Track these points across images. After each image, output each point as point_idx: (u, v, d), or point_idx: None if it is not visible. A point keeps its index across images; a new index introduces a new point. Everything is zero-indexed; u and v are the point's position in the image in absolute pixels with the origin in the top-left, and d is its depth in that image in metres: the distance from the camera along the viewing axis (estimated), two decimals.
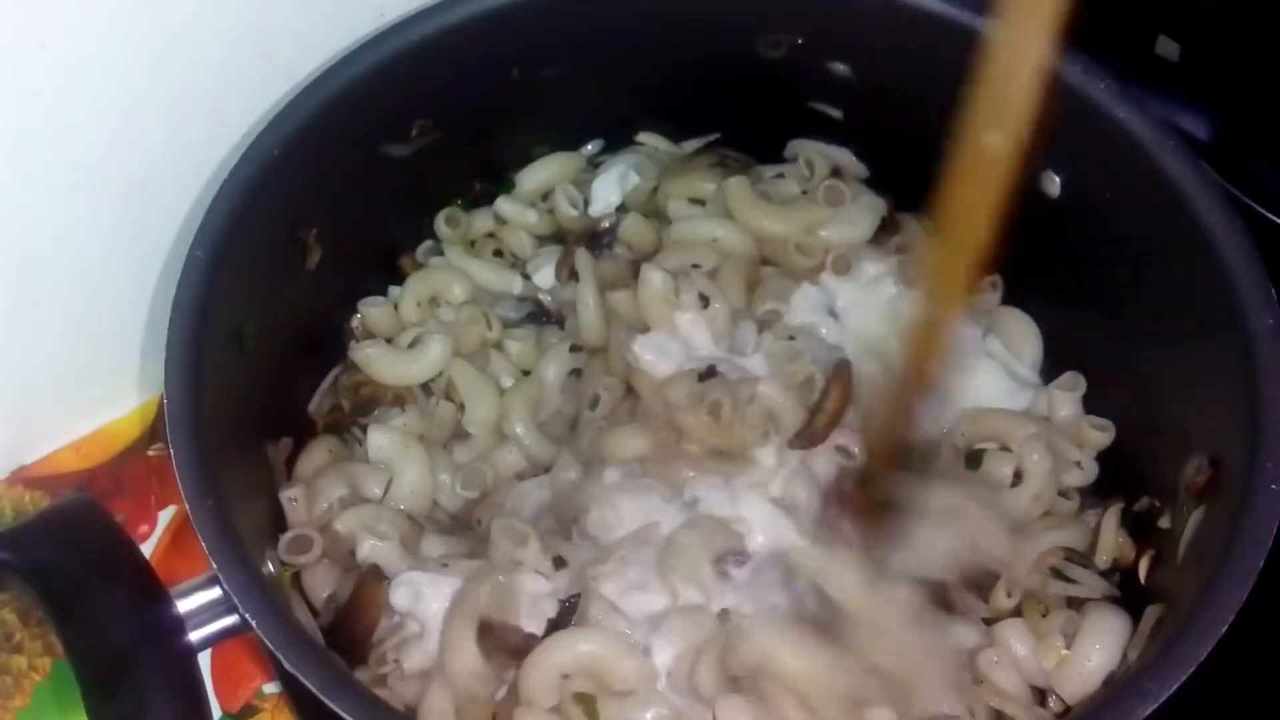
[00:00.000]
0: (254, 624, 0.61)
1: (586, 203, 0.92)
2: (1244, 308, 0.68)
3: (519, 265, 0.91)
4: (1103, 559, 0.77)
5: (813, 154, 0.89)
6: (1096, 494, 0.80)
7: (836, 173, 0.90)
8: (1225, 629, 0.60)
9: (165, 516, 0.92)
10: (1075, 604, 0.75)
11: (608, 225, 0.91)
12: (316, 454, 0.81)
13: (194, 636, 0.63)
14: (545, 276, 0.89)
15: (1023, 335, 0.85)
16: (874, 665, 0.67)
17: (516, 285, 0.90)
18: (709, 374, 0.78)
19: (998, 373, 0.83)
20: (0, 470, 0.93)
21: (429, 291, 0.88)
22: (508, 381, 0.85)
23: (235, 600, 0.61)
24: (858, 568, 0.70)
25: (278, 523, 0.77)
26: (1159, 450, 0.75)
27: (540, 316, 0.90)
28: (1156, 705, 0.59)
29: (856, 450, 0.76)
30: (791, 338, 0.80)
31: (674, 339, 0.80)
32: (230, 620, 0.63)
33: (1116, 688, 0.67)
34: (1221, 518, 0.66)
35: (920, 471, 0.72)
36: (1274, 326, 0.67)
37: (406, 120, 0.82)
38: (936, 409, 0.77)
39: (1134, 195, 0.75)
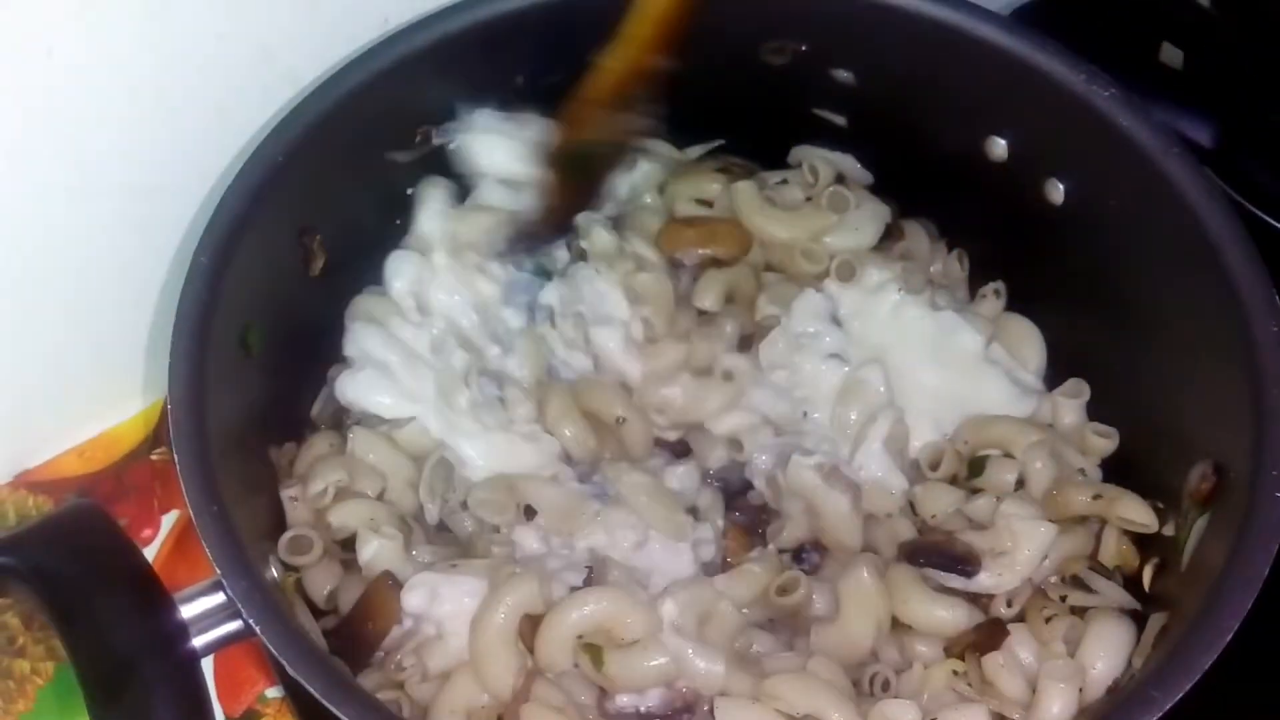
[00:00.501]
0: (258, 630, 0.61)
1: None
2: (1248, 314, 0.68)
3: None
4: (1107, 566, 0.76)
5: (817, 160, 0.89)
6: None
7: (840, 179, 0.90)
8: (1230, 637, 0.60)
9: (168, 521, 0.92)
10: (1078, 610, 0.74)
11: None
12: (317, 447, 0.81)
13: (197, 642, 0.63)
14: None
15: (1026, 342, 0.85)
16: None
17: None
18: None
19: (1001, 379, 0.83)
20: (3, 474, 0.93)
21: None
22: None
23: (239, 606, 0.61)
24: None
25: (281, 528, 0.77)
26: (1163, 457, 0.74)
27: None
28: (1162, 713, 0.59)
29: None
30: None
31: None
32: (234, 626, 0.63)
33: (1121, 695, 0.67)
34: (1226, 525, 0.66)
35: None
36: (1278, 333, 0.67)
37: (410, 127, 0.82)
38: None
39: (1138, 202, 0.75)
